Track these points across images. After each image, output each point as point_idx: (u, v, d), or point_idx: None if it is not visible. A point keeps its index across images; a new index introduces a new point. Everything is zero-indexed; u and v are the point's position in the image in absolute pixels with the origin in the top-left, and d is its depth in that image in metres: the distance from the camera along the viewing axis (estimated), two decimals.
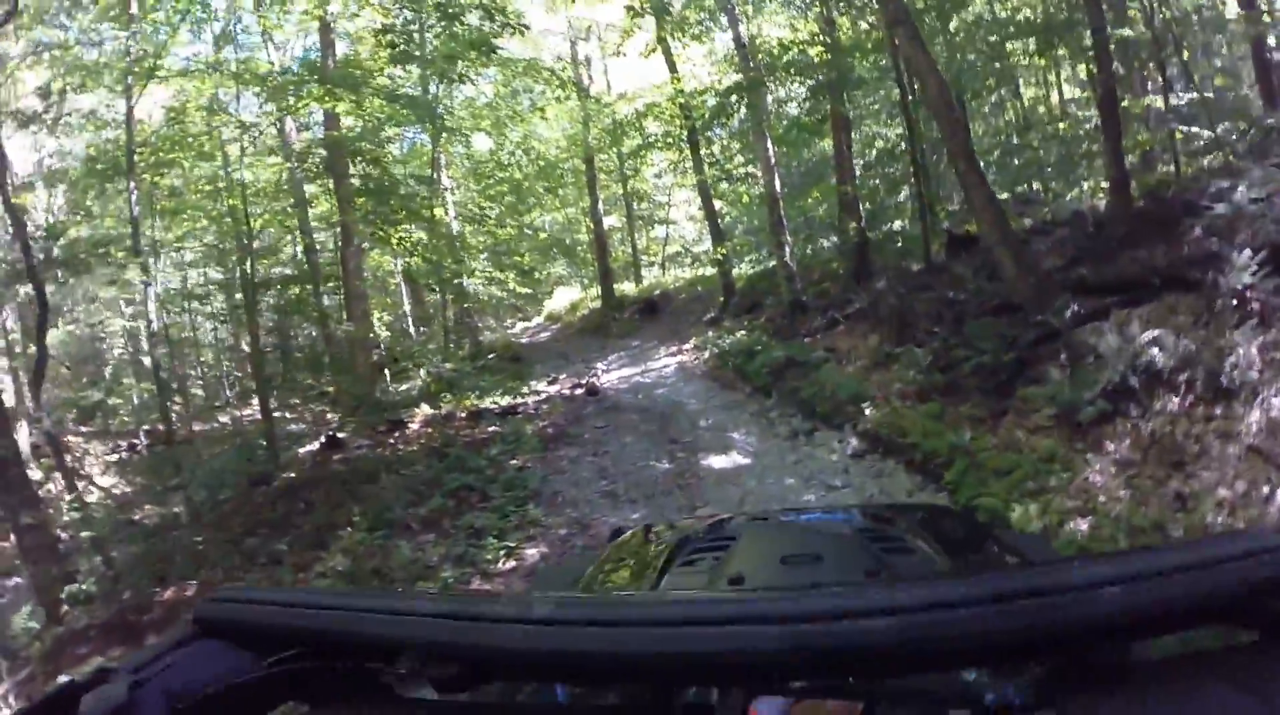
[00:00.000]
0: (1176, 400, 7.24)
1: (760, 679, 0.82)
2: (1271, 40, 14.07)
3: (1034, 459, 7.18)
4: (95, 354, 26.37)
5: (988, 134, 20.40)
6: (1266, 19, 13.70)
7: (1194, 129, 12.92)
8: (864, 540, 1.66)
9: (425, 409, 14.28)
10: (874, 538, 1.71)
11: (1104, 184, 14.74)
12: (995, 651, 0.78)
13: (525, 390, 15.99)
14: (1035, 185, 18.82)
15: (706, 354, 16.29)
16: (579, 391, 14.96)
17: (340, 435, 13.81)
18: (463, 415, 13.32)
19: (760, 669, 0.75)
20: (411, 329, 26.37)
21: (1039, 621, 0.72)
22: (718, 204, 22.73)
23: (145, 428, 20.75)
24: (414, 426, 13.35)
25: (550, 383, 16.69)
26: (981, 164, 12.59)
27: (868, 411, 9.73)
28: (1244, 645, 0.81)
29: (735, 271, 21.90)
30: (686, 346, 18.10)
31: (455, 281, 22.12)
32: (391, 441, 12.72)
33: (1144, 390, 7.46)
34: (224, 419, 22.06)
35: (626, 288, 28.11)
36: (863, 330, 13.57)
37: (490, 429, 12.40)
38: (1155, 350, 7.60)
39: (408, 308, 26.06)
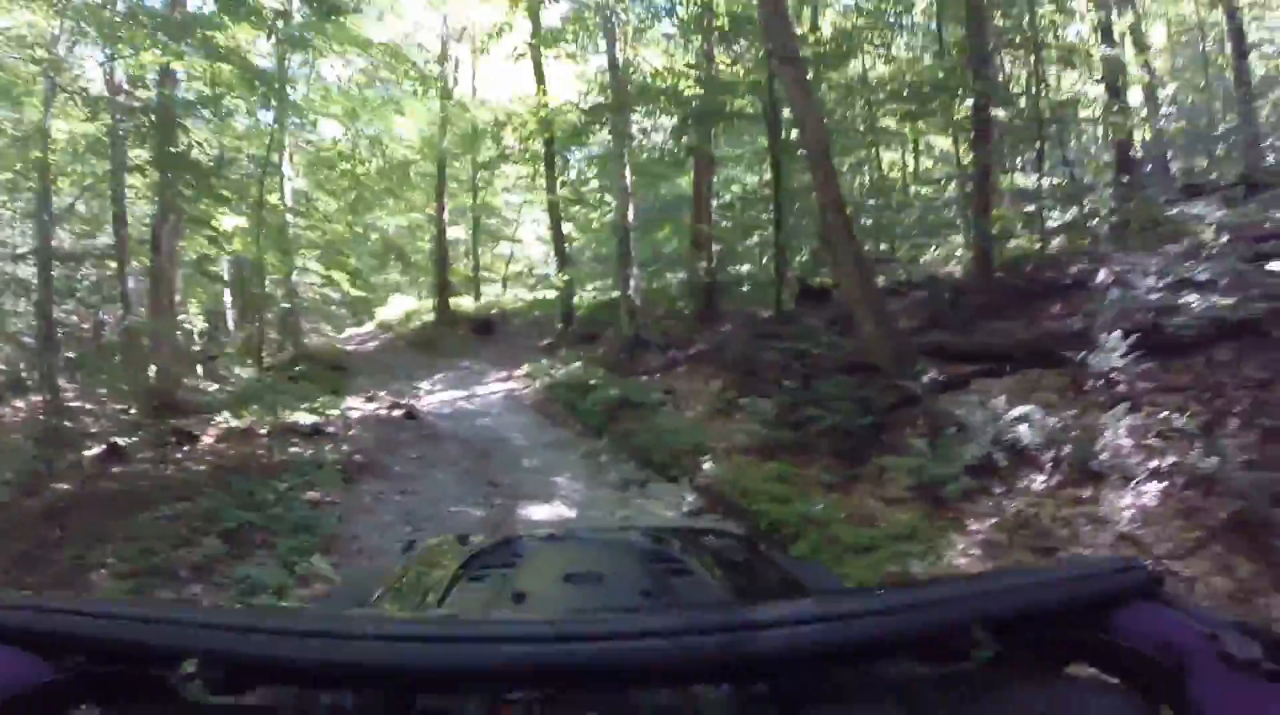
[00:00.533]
0: (1043, 479, 6.73)
1: (479, 691, 0.92)
2: (1137, 135, 14.33)
3: (892, 535, 6.46)
4: None
5: (845, 191, 20.29)
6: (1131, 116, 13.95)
7: (1056, 210, 12.87)
8: (645, 561, 1.81)
9: (227, 419, 12.67)
10: (655, 559, 1.85)
11: (958, 252, 14.62)
12: (685, 675, 0.91)
13: (340, 406, 14.60)
14: (885, 246, 18.82)
15: (538, 383, 15.28)
16: (397, 413, 13.67)
17: (129, 440, 12.15)
18: (264, 431, 11.77)
19: (470, 682, 0.90)
20: (231, 324, 24.36)
21: (720, 652, 0.85)
22: (567, 228, 21.90)
23: None
24: (208, 440, 11.73)
25: (369, 400, 15.30)
26: None
27: (707, 465, 8.90)
28: (920, 675, 0.98)
29: (577, 299, 21.00)
30: (518, 372, 17.03)
31: (283, 276, 20.61)
32: (179, 457, 11.08)
33: (1009, 467, 6.92)
34: (19, 404, 19.68)
35: (465, 302, 26.82)
36: (705, 374, 12.88)
37: (293, 450, 10.93)
38: (1023, 426, 7.08)
39: (229, 300, 24.00)
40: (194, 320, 23.22)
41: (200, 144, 15.75)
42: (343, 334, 29.05)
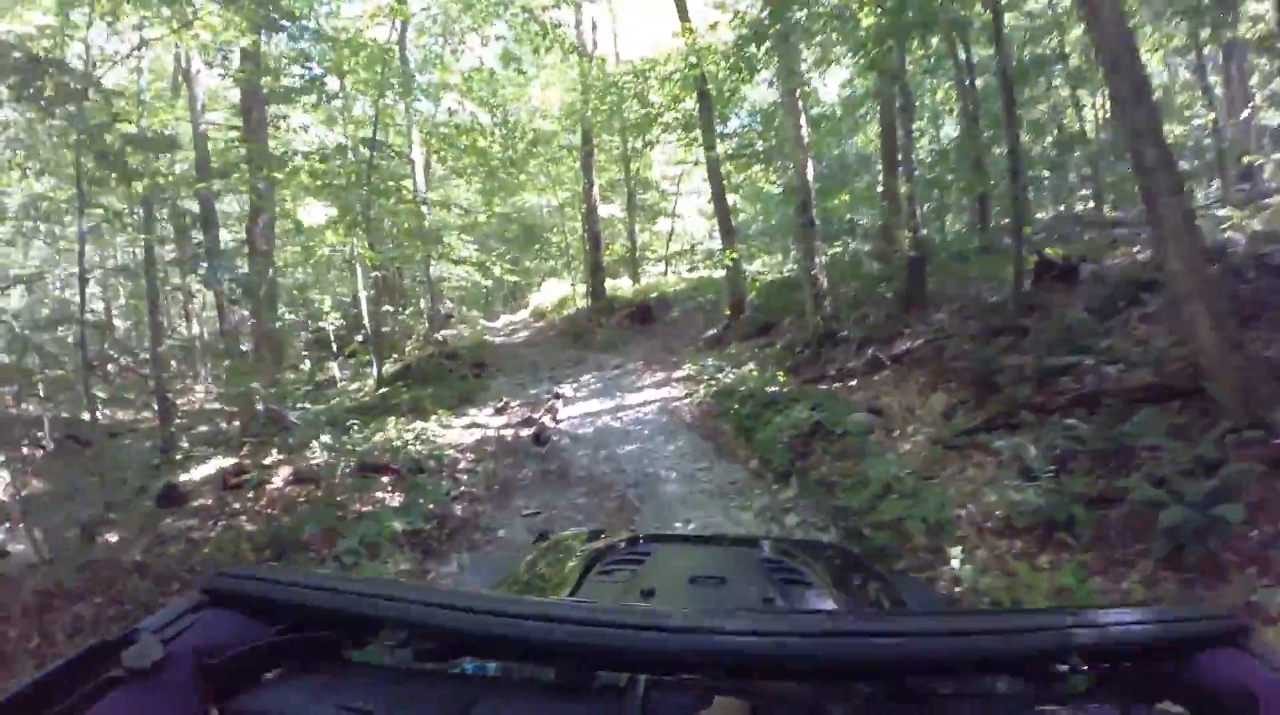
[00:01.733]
0: None
1: (656, 672, 1.00)
2: None
3: None
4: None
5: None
6: None
7: None
8: (765, 569, 1.92)
9: (321, 448, 10.33)
10: (775, 569, 1.94)
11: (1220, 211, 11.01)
12: (824, 672, 1.00)
13: (463, 421, 12.23)
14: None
15: (702, 390, 12.28)
16: (525, 433, 11.08)
17: (194, 476, 10.13)
18: (347, 470, 9.25)
19: (654, 665, 0.98)
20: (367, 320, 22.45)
21: (856, 655, 0.95)
22: (731, 198, 18.69)
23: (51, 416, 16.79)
24: (277, 482, 9.36)
25: (498, 411, 12.89)
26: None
27: (956, 560, 5.76)
28: (1016, 691, 1.08)
29: (747, 279, 17.83)
30: (678, 374, 14.17)
31: (416, 261, 18.74)
32: (236, 507, 8.76)
33: None
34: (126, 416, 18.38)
35: (622, 285, 24.34)
36: (920, 383, 9.80)
37: (379, 495, 8.52)
38: None
39: (363, 293, 22.11)
40: (328, 319, 21.47)
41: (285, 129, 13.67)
42: (496, 322, 27.60)
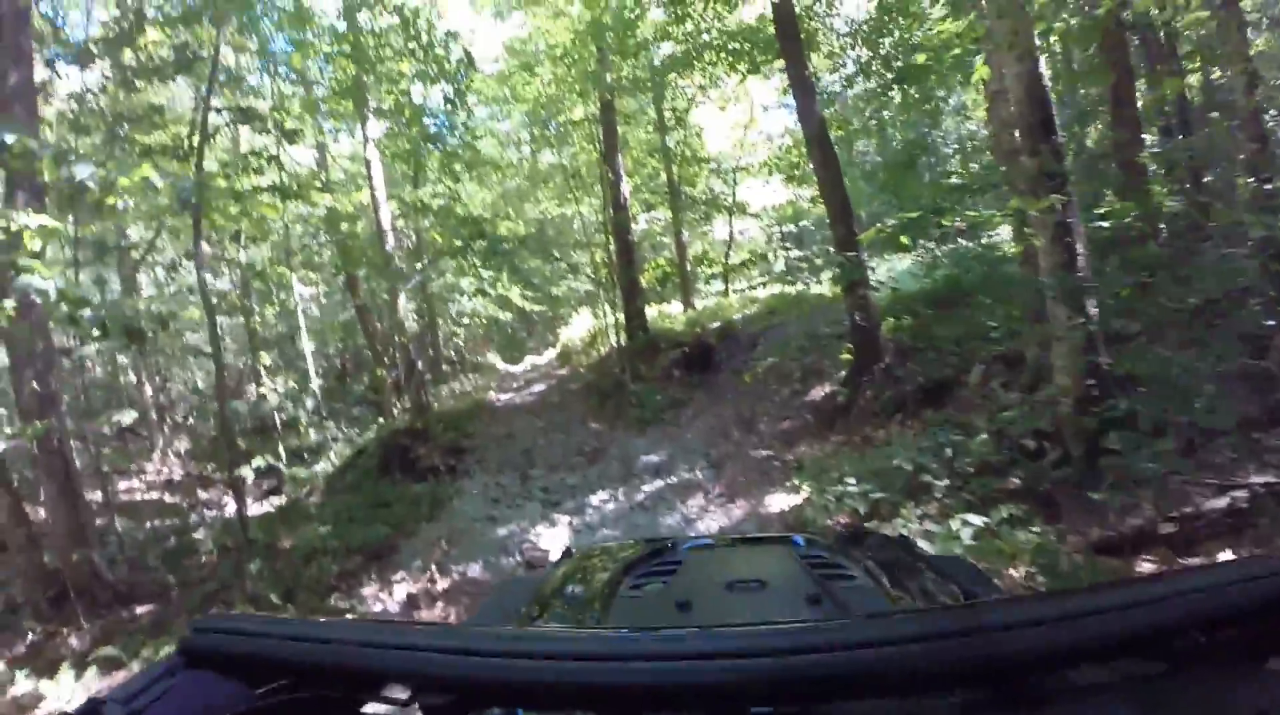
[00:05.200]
0: None
1: (722, 710, 0.81)
2: None
3: None
4: None
5: None
6: None
7: None
8: (805, 567, 1.69)
9: None
10: (815, 564, 1.71)
11: None
12: (928, 683, 0.84)
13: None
14: None
15: None
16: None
17: None
18: None
19: (718, 700, 0.78)
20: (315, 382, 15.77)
21: (964, 657, 0.80)
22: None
23: None
24: None
25: (412, 601, 6.32)
26: None
27: None
28: (1153, 675, 0.91)
29: (880, 299, 10.18)
30: (774, 500, 7.19)
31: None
32: None
33: None
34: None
35: (671, 312, 17.58)
36: None
37: None
38: None
39: (308, 349, 15.40)
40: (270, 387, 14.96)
41: None
42: (519, 366, 21.15)
